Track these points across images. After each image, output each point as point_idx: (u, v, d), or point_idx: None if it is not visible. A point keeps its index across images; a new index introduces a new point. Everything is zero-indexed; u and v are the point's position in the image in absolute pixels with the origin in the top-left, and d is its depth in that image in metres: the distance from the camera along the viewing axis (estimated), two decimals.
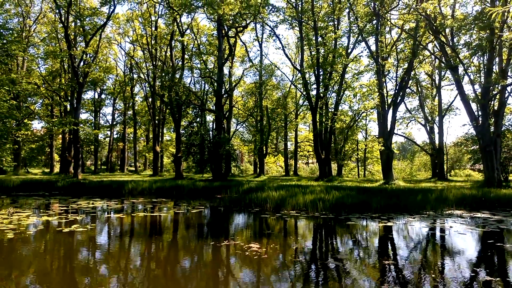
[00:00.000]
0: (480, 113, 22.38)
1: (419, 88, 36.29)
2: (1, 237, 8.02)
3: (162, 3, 32.91)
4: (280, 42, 30.64)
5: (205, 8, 27.76)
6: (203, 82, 37.94)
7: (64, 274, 5.88)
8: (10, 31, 30.80)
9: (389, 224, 10.22)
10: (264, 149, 38.07)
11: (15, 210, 12.37)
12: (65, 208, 13.39)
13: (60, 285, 5.21)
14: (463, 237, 8.60)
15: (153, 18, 35.77)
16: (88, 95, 49.34)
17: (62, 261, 6.66)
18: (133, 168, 52.14)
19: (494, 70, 22.37)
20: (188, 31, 34.49)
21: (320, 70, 28.07)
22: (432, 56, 30.16)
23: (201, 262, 6.67)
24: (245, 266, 6.18)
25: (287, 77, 40.36)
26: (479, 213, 12.14)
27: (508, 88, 22.57)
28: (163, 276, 5.72)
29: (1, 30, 27.93)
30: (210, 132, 29.41)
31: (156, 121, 38.60)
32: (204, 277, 5.71)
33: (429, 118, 35.69)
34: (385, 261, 6.47)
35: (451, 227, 9.85)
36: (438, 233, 9.31)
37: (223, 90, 29.03)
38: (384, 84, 27.79)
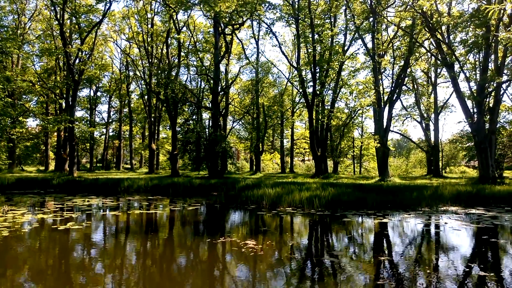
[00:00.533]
0: (475, 110, 22.48)
1: (415, 86, 36.39)
2: None
3: (158, 0, 32.80)
4: (277, 40, 30.65)
5: (201, 6, 27.70)
6: (199, 79, 37.89)
7: (59, 272, 5.87)
8: (5, 28, 30.65)
9: (384, 220, 10.27)
10: (260, 147, 38.10)
11: (10, 208, 12.32)
12: (60, 206, 13.35)
13: (55, 283, 5.20)
14: (458, 233, 8.65)
15: (149, 16, 35.65)
16: (84, 92, 49.19)
17: (57, 259, 6.64)
18: (129, 166, 52.02)
19: (489, 67, 22.46)
20: (185, 28, 34.41)
21: (317, 68, 28.09)
22: (428, 53, 30.26)
23: (197, 259, 6.67)
24: (241, 263, 6.19)
25: (283, 74, 40.39)
26: (474, 210, 12.22)
27: (503, 86, 22.69)
28: (159, 274, 5.72)
29: None
30: (206, 130, 29.41)
31: (152, 119, 38.49)
32: (200, 274, 5.72)
33: (425, 115, 35.82)
34: (381, 257, 6.50)
35: (446, 223, 9.91)
36: (433, 229, 9.37)
37: (219, 87, 29.00)
38: (380, 81, 27.87)
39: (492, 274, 5.47)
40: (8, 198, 15.99)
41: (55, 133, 40.35)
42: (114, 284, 5.16)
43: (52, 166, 42.95)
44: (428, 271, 5.74)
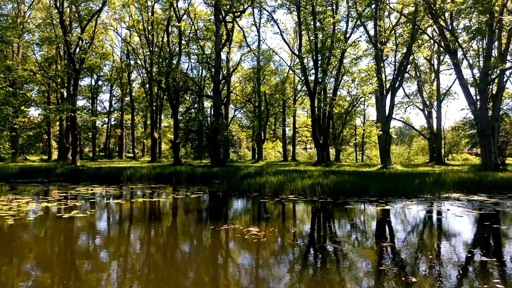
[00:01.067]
0: (478, 97, 22.38)
1: (418, 73, 36.20)
2: (1, 224, 8.07)
3: None
4: (278, 27, 30.42)
5: None
6: (200, 67, 37.80)
7: (65, 259, 5.94)
8: (5, 17, 30.44)
9: (387, 207, 10.31)
10: (262, 135, 38.10)
11: (14, 196, 12.41)
12: (64, 194, 13.44)
13: (61, 270, 5.26)
14: (460, 219, 8.68)
15: (149, 3, 35.33)
16: (85, 81, 49.11)
17: (62, 246, 6.71)
18: (132, 155, 52.17)
19: (493, 54, 22.28)
20: (185, 16, 34.15)
21: (319, 55, 27.92)
22: (431, 40, 29.99)
23: (201, 246, 6.73)
24: (244, 250, 6.25)
25: (285, 62, 40.23)
26: (476, 196, 12.25)
27: (507, 72, 22.55)
28: (163, 260, 5.78)
29: None
30: (208, 118, 29.38)
31: (154, 108, 38.47)
32: (203, 261, 5.77)
33: (427, 102, 35.69)
34: (383, 243, 6.55)
35: (448, 209, 9.94)
36: (435, 216, 9.41)
37: (220, 75, 28.87)
38: (383, 69, 27.70)
39: (494, 259, 5.51)
40: (12, 187, 16.11)
41: (57, 123, 40.44)
42: (119, 270, 5.22)
43: (55, 155, 43.16)
44: (430, 256, 5.78)
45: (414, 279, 4.62)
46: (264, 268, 5.36)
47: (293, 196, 12.62)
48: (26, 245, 6.58)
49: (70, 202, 11.35)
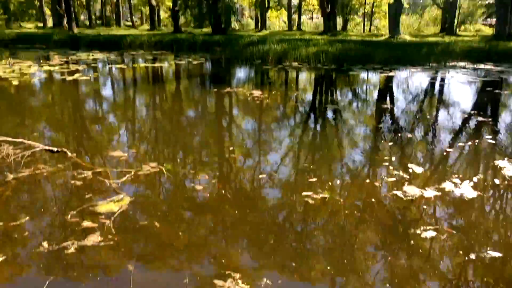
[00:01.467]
0: None
1: None
2: (8, 85, 8.14)
3: None
4: None
5: None
6: None
7: (75, 119, 6.13)
8: None
9: (390, 74, 10.25)
10: (266, 2, 35.96)
11: (15, 61, 12.26)
12: (65, 59, 13.26)
13: (73, 131, 5.44)
14: (462, 85, 8.70)
15: None
16: None
17: (71, 109, 6.85)
18: (130, 23, 50.15)
19: None
20: None
21: None
22: None
23: (206, 107, 6.90)
24: (248, 109, 6.42)
25: None
26: (483, 65, 12.03)
27: None
28: (169, 122, 5.97)
29: None
30: None
31: None
32: (209, 121, 5.97)
33: None
34: (383, 106, 6.67)
35: (452, 77, 9.89)
36: (438, 83, 9.41)
37: None
38: None
39: (490, 119, 5.65)
40: (11, 52, 15.84)
41: None
42: (129, 132, 5.43)
43: (50, 23, 41.51)
44: (428, 116, 5.96)
45: (409, 135, 4.81)
46: (268, 124, 5.55)
47: (296, 63, 12.44)
48: (35, 106, 6.75)
49: (72, 66, 11.26)
